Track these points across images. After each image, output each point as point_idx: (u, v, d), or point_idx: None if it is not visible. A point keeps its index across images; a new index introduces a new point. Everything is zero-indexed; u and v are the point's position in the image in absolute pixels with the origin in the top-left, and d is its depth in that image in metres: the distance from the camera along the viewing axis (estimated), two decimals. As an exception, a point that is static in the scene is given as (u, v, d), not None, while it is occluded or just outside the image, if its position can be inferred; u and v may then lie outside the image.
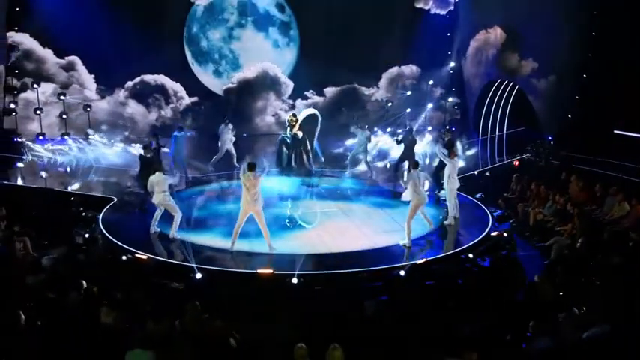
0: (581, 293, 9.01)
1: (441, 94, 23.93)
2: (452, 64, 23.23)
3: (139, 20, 20.59)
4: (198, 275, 9.81)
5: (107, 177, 17.61)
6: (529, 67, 19.41)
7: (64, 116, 20.71)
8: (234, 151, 18.11)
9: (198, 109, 22.73)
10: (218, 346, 7.42)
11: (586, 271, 9.99)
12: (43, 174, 17.67)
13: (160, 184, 11.84)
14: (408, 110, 23.36)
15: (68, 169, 18.56)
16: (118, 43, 20.22)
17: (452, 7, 23.08)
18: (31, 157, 18.91)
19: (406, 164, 15.45)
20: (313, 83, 23.62)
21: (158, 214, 12.13)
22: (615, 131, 15.46)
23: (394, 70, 24.13)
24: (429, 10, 23.44)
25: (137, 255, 10.52)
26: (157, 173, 11.96)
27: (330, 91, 23.88)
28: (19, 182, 16.79)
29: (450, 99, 23.69)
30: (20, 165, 18.25)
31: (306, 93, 23.86)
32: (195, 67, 23.22)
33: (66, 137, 20.48)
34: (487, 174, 17.31)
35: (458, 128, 22.64)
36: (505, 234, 11.98)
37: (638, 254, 10.62)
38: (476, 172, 17.57)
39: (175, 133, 16.97)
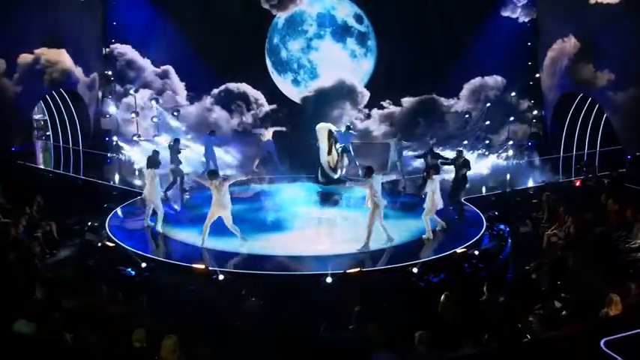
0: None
1: (527, 106, 22.61)
2: (537, 74, 21.86)
3: (224, 32, 22.27)
4: (143, 264, 10.66)
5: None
6: (605, 79, 17.76)
7: (155, 119, 22.87)
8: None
9: (277, 116, 23.75)
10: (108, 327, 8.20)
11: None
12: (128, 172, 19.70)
13: (150, 179, 12.88)
14: (487, 123, 22.47)
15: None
16: (206, 53, 22.00)
17: (535, 16, 21.69)
18: (115, 156, 21.21)
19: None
20: (390, 93, 23.47)
21: (149, 210, 13.21)
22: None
23: (476, 80, 23.13)
24: (517, 18, 22.25)
25: (106, 242, 11.63)
26: (148, 169, 13.02)
27: (407, 101, 23.55)
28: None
29: (535, 112, 22.30)
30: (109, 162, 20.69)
31: (382, 103, 23.79)
32: (275, 76, 24.24)
33: (155, 138, 22.61)
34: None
35: (535, 142, 21.31)
36: (476, 252, 11.27)
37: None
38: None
39: (205, 137, 18.10)
